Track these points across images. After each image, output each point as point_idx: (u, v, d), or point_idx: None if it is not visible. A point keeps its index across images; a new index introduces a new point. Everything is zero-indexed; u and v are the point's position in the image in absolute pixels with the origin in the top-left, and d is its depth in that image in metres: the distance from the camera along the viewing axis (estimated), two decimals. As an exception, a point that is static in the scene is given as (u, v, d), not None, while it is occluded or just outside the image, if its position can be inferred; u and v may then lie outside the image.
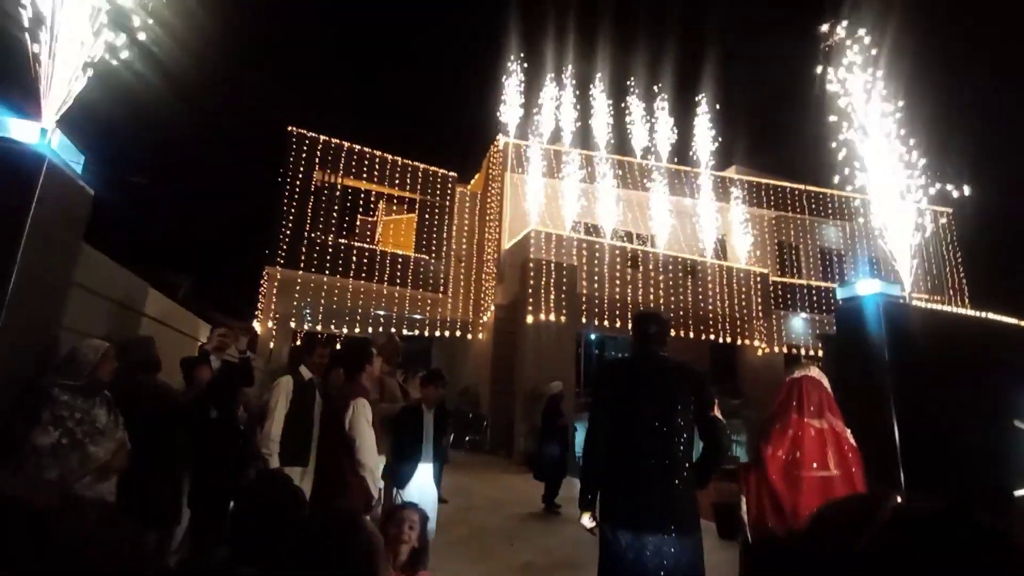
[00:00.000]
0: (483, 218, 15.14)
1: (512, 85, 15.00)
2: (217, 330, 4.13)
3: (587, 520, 2.49)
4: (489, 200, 14.91)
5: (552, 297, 12.13)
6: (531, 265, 12.19)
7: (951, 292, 16.25)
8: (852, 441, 2.90)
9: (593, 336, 15.09)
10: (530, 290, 12.03)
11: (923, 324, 4.74)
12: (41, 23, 2.90)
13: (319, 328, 13.53)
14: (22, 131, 2.77)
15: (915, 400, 4.61)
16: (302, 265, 12.73)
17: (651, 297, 13.22)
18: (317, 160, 13.51)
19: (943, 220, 16.78)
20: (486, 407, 12.75)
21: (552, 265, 12.33)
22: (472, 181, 16.73)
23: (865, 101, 5.00)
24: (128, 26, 3.29)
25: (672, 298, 13.42)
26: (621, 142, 15.40)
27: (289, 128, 13.51)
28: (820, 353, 11.99)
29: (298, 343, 14.46)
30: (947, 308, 5.53)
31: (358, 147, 14.06)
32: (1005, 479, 4.77)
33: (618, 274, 13.12)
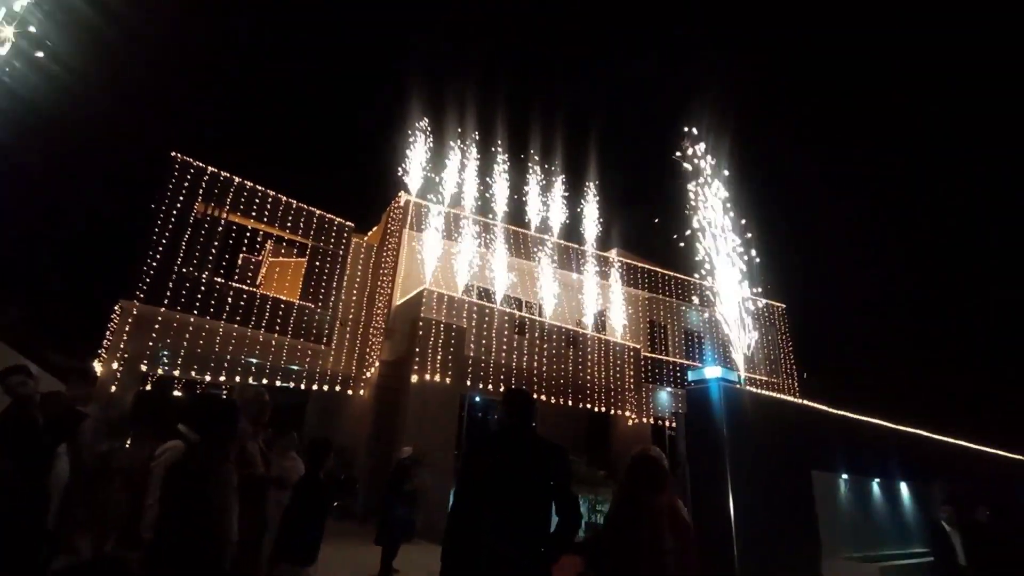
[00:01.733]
0: (376, 272, 14.97)
1: (418, 145, 15.53)
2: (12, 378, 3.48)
3: None
4: (385, 255, 14.85)
5: (440, 357, 12.14)
6: (421, 324, 12.19)
7: (785, 376, 18.84)
8: (686, 516, 3.26)
9: (477, 399, 15.15)
10: (418, 349, 11.95)
11: (753, 406, 5.54)
12: None
13: (176, 373, 12.16)
14: None
15: (747, 473, 5.29)
16: (166, 302, 11.53)
17: (535, 364, 13.73)
18: (201, 191, 12.63)
19: (778, 313, 19.72)
20: (362, 468, 12.07)
21: (442, 326, 12.43)
22: (369, 233, 16.60)
23: (713, 213, 6.00)
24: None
25: (554, 366, 14.05)
26: (516, 213, 16.40)
27: (173, 154, 12.60)
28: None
29: (147, 388, 12.80)
30: (773, 393, 6.50)
31: (249, 183, 13.42)
32: (816, 551, 5.55)
33: (505, 339, 13.53)
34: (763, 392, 6.28)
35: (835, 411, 6.20)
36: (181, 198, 12.30)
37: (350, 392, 13.76)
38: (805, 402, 6.28)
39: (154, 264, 11.54)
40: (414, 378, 11.75)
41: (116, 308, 11.81)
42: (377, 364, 13.08)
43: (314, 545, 3.83)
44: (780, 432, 5.57)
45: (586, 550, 3.81)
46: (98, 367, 10.94)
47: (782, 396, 6.69)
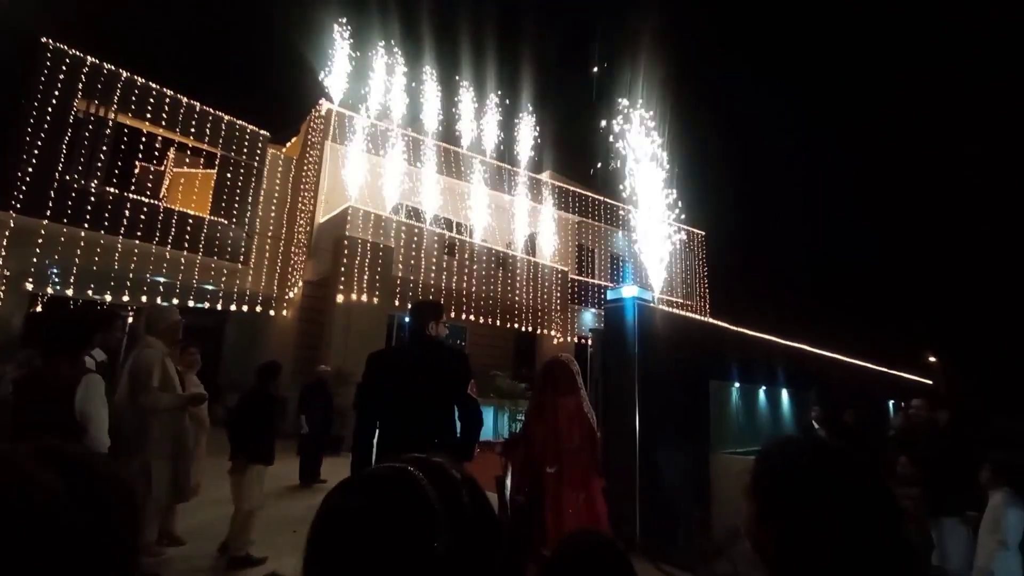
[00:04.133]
0: (297, 186, 14.06)
1: (340, 49, 14.20)
2: None
3: None
4: (305, 168, 13.91)
5: (366, 277, 11.91)
6: (346, 243, 11.79)
7: (698, 299, 20.27)
8: (592, 417, 3.56)
9: (406, 320, 15.19)
10: (343, 268, 11.63)
11: (662, 322, 5.96)
12: None
13: (70, 293, 11.14)
14: None
15: (653, 382, 5.78)
16: (48, 213, 10.29)
17: (465, 285, 13.83)
18: (81, 86, 10.98)
19: (697, 240, 20.84)
20: (288, 389, 11.97)
21: (368, 245, 12.09)
22: (288, 144, 15.38)
23: (636, 142, 6.07)
24: None
25: (484, 287, 14.23)
26: (447, 131, 15.72)
27: (44, 39, 10.73)
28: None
29: (38, 310, 11.70)
30: (683, 312, 7.01)
31: (141, 80, 11.81)
32: (706, 449, 6.29)
33: (435, 260, 13.43)
34: (672, 310, 6.75)
35: (732, 327, 6.82)
36: (57, 92, 10.66)
37: (272, 313, 13.32)
38: (707, 319, 6.84)
39: (29, 170, 10.15)
40: (340, 298, 11.52)
41: (-12, 219, 10.42)
42: (300, 284, 12.65)
43: (271, 447, 4.51)
44: (684, 345, 6.07)
45: (505, 449, 4.08)
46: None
47: (688, 314, 7.24)
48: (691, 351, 6.12)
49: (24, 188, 10.04)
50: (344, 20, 14.33)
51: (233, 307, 12.90)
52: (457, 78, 16.14)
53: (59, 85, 10.69)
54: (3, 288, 10.17)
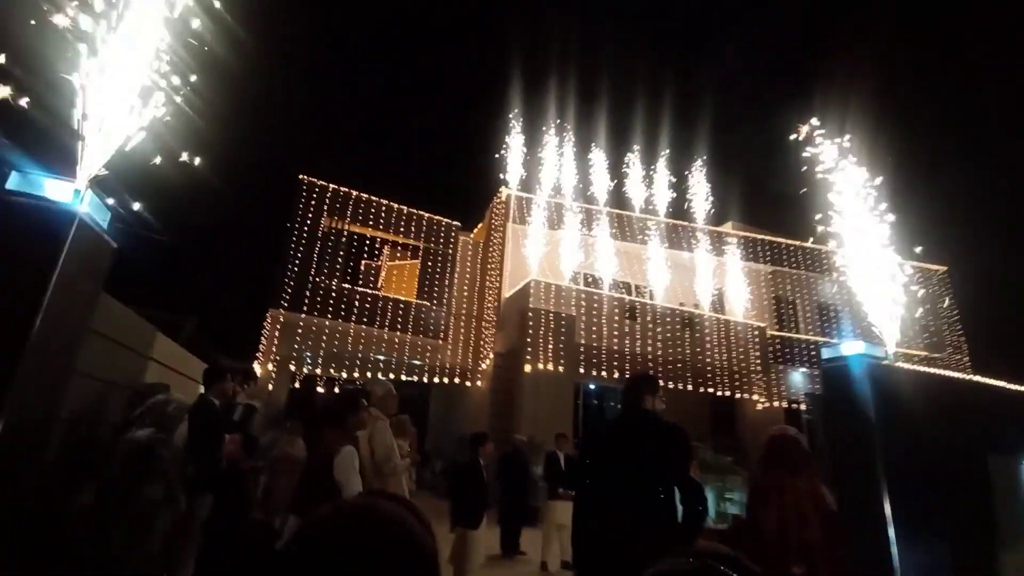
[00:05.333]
0: (484, 267, 15.46)
1: (515, 138, 15.70)
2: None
3: None
4: (491, 249, 15.27)
5: (551, 346, 12.24)
6: (530, 314, 12.37)
7: (950, 349, 16.25)
8: (829, 500, 2.95)
9: (592, 386, 15.05)
10: (529, 339, 12.15)
11: (909, 385, 4.83)
12: (82, 96, 3.19)
13: (318, 371, 13.59)
14: (57, 191, 3.01)
15: (904, 460, 4.65)
16: (305, 309, 12.94)
17: (649, 349, 13.30)
18: (326, 207, 13.97)
19: (937, 278, 17.01)
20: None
21: (551, 315, 12.51)
22: (475, 230, 17.16)
23: (843, 167, 5.29)
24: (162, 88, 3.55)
25: (670, 350, 13.49)
26: (620, 196, 15.92)
27: (300, 176, 14.06)
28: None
29: (297, 385, 14.51)
30: (933, 370, 5.62)
31: (365, 195, 14.56)
32: (993, 544, 4.74)
33: (616, 325, 13.26)
34: (921, 368, 5.47)
35: (1015, 387, 5.22)
36: (310, 215, 13.72)
37: (468, 384, 14.40)
38: (977, 378, 5.35)
39: (293, 276, 13.01)
40: (527, 368, 11.97)
41: (267, 316, 13.50)
42: (491, 356, 13.53)
43: (475, 513, 4.96)
44: (945, 413, 4.78)
45: (727, 539, 3.62)
46: (257, 368, 12.60)
47: (946, 372, 5.74)
48: (957, 419, 4.80)
49: (289, 291, 12.86)
50: (515, 110, 15.93)
51: (436, 379, 14.32)
52: (628, 141, 16.49)
53: (312, 209, 13.74)
54: (275, 370, 12.89)
